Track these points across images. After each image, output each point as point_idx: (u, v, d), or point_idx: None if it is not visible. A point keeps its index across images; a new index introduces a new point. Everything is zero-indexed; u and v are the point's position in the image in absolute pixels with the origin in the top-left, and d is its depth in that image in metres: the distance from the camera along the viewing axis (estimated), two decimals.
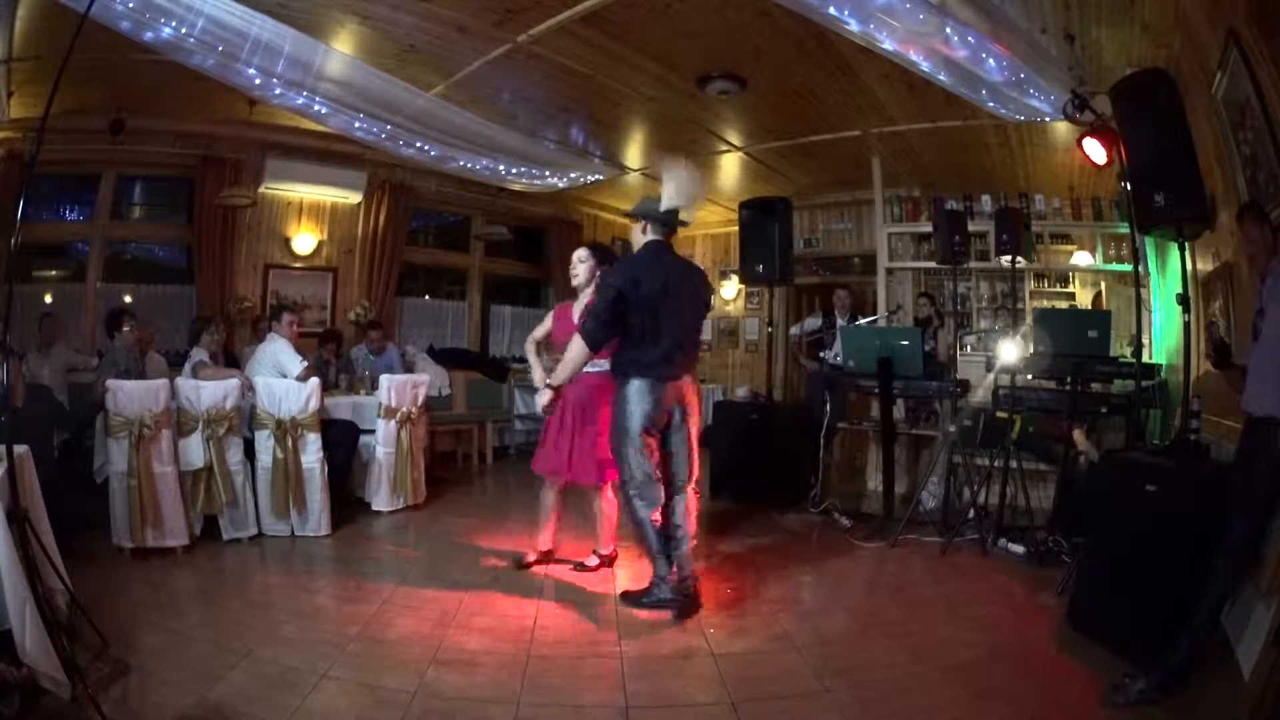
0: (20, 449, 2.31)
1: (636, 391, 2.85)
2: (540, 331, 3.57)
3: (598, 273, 3.30)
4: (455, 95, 4.85)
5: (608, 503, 3.39)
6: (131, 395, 3.43)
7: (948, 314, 5.95)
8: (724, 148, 6.10)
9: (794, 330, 6.54)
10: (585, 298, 3.34)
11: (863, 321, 5.81)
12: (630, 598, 3.01)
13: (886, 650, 2.60)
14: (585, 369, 3.08)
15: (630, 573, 3.37)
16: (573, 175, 6.23)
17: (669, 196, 2.95)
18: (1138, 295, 3.79)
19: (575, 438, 3.27)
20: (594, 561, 3.48)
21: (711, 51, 4.28)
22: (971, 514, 4.05)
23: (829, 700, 2.21)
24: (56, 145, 4.89)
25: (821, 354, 5.94)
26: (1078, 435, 3.66)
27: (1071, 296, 6.25)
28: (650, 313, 2.83)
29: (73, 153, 5.25)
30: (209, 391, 3.68)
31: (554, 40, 4.06)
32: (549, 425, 3.33)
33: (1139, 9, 3.34)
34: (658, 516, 2.91)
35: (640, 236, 3.02)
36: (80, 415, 4.19)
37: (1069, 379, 3.69)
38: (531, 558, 3.50)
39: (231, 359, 4.98)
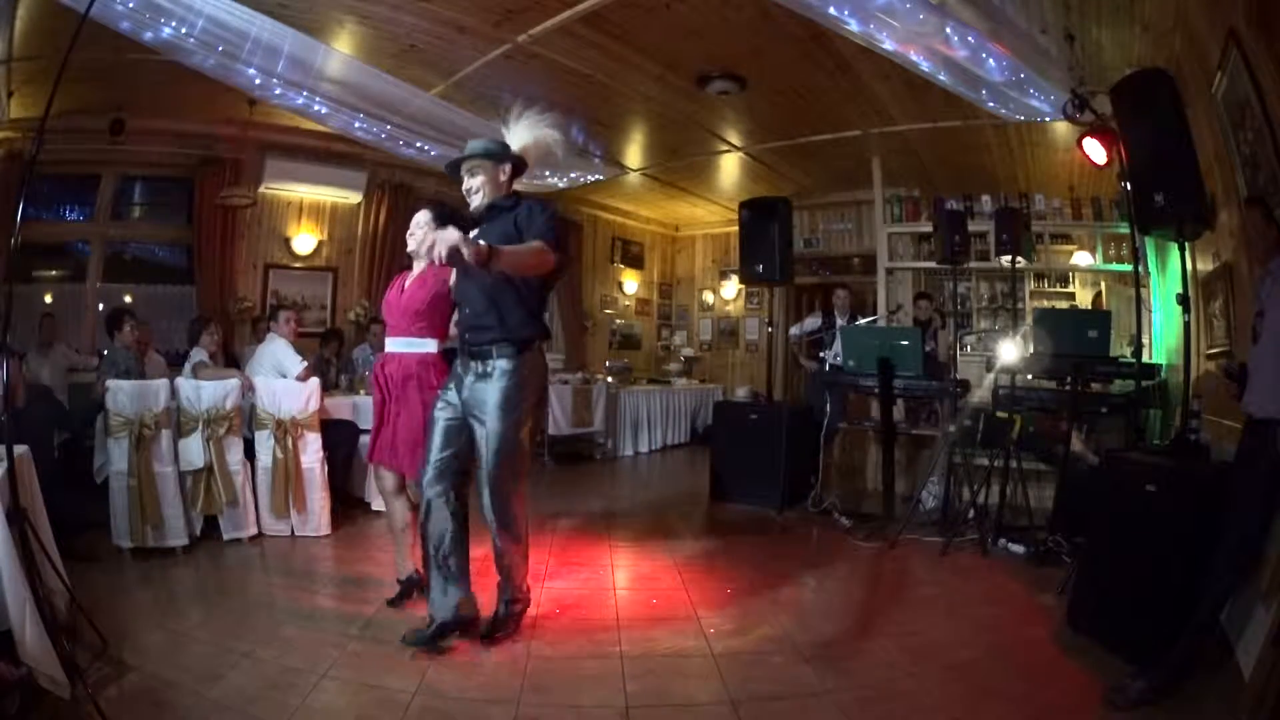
0: (20, 449, 2.31)
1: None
2: None
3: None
4: (455, 95, 4.85)
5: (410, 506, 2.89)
6: (131, 395, 3.44)
7: (948, 314, 5.95)
8: (724, 148, 6.11)
9: (794, 330, 6.53)
10: (420, 268, 2.84)
11: (862, 321, 5.81)
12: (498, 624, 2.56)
13: (886, 650, 2.59)
14: (405, 349, 2.76)
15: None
16: (573, 175, 6.23)
17: (530, 150, 2.58)
18: (1138, 295, 3.79)
19: (399, 420, 2.82)
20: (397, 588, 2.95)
21: (711, 51, 4.29)
22: (971, 514, 4.05)
23: (829, 700, 2.20)
24: (56, 145, 4.88)
25: (821, 354, 5.93)
26: (1075, 441, 3.66)
27: (1071, 296, 6.26)
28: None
29: (73, 153, 5.26)
30: (209, 391, 3.68)
31: (554, 40, 4.07)
32: (378, 410, 2.88)
33: (1139, 9, 3.35)
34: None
35: (501, 180, 2.49)
36: (80, 415, 4.19)
37: (1069, 379, 3.69)
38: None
39: (231, 359, 4.98)
